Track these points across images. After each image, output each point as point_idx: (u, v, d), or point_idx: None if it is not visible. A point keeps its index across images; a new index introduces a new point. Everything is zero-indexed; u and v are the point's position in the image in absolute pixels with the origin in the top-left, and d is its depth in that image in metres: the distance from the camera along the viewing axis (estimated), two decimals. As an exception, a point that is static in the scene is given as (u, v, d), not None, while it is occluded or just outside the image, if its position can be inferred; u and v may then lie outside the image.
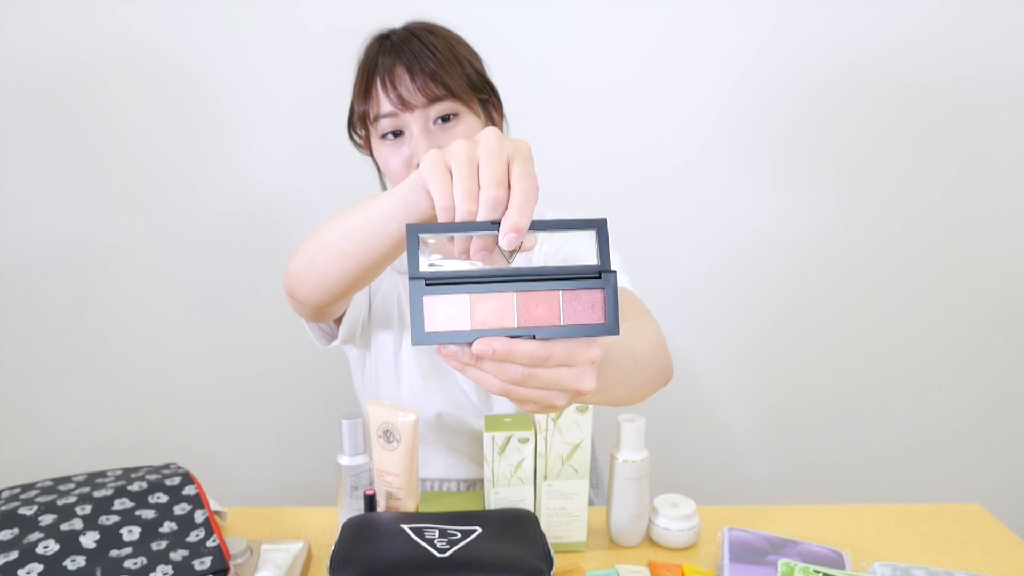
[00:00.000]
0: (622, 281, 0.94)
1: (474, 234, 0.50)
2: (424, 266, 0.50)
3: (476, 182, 0.50)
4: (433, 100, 0.89)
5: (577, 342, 0.51)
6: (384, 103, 0.89)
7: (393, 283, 1.04)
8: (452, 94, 0.89)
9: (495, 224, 0.49)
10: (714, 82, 1.49)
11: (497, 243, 0.49)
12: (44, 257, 1.52)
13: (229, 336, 1.58)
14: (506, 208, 0.50)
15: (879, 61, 1.49)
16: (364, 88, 0.91)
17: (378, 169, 1.01)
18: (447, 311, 0.49)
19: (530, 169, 0.52)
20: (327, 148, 1.50)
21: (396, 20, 0.98)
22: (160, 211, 1.51)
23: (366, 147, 0.99)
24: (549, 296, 0.51)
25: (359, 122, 0.95)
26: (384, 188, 1.01)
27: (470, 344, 0.49)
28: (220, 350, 1.59)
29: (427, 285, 0.49)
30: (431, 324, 0.49)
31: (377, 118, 0.90)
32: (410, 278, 0.49)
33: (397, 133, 0.91)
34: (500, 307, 0.50)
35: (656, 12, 1.45)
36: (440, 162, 0.52)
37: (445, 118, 0.90)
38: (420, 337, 0.49)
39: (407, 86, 0.88)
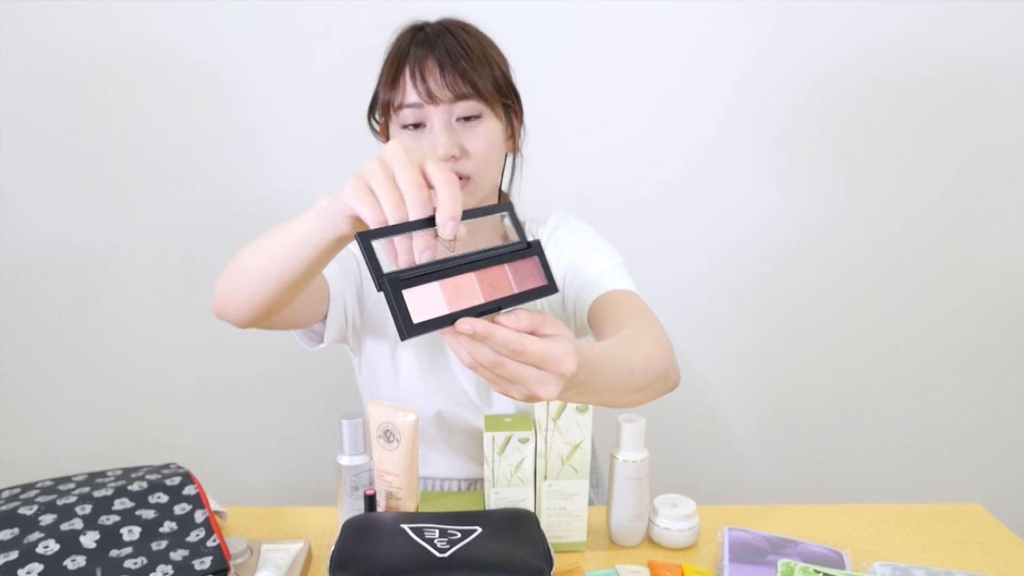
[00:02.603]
0: (625, 283, 0.94)
1: (415, 234, 0.54)
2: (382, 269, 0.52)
3: (398, 192, 0.55)
4: (460, 97, 0.88)
5: (556, 352, 0.54)
6: (411, 93, 0.88)
7: None
8: (479, 94, 0.89)
9: (432, 220, 0.54)
10: (713, 83, 1.49)
11: (437, 236, 0.54)
12: (44, 257, 1.52)
13: (229, 336, 1.57)
14: (437, 206, 0.54)
15: (879, 61, 1.49)
16: (392, 76, 0.90)
17: None
18: (425, 300, 0.53)
19: (443, 167, 0.56)
20: (329, 149, 1.50)
21: (395, 20, 0.97)
22: (160, 211, 1.51)
23: (383, 134, 0.99)
24: (499, 271, 0.57)
25: (381, 109, 0.94)
26: None
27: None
28: (220, 350, 1.59)
29: (402, 281, 0.52)
30: (417, 315, 0.52)
31: (401, 107, 0.90)
32: (383, 279, 0.51)
33: (418, 125, 0.90)
34: (465, 287, 0.55)
35: (656, 12, 1.45)
36: (361, 186, 0.56)
37: (467, 118, 0.90)
38: (411, 330, 0.51)
39: (436, 80, 0.88)
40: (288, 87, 1.46)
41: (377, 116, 0.98)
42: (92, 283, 1.54)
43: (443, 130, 0.88)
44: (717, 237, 1.58)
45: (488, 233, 1.01)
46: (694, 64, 1.48)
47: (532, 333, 0.55)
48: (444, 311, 0.53)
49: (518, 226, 0.61)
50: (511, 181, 1.03)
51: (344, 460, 0.88)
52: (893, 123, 1.52)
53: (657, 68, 1.48)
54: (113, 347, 1.57)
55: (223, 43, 1.43)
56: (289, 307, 0.82)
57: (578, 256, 1.00)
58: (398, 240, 0.54)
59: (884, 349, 1.65)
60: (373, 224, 0.54)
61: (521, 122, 1.00)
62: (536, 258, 0.60)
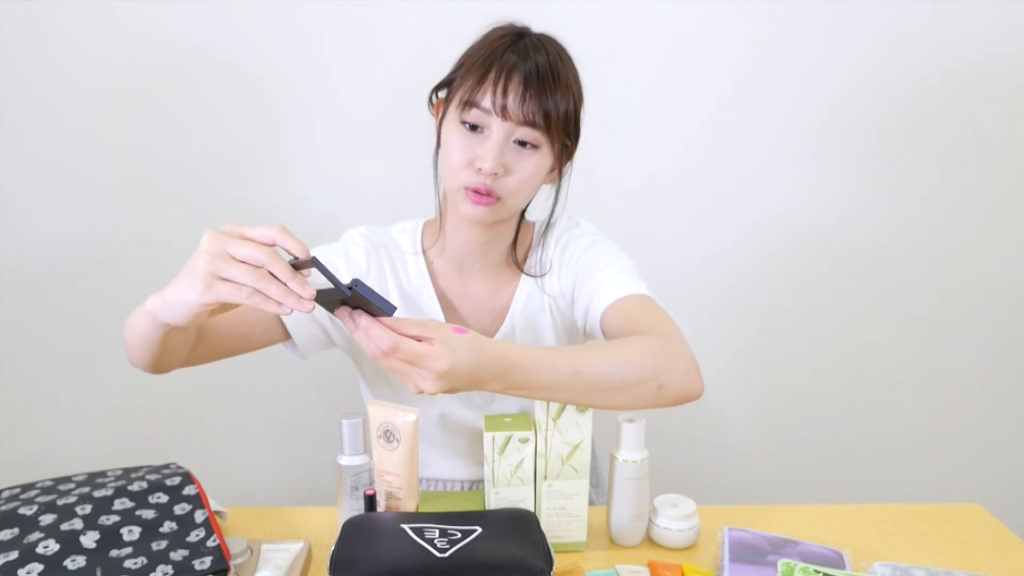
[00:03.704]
0: (637, 287, 0.94)
1: (277, 289, 0.64)
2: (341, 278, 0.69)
3: (246, 263, 0.64)
4: (528, 124, 0.87)
5: (428, 352, 0.68)
6: (487, 99, 0.87)
7: (379, 285, 1.03)
8: (547, 127, 0.88)
9: (294, 258, 0.66)
10: (714, 80, 1.49)
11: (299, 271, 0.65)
12: (45, 257, 1.52)
13: (229, 336, 1.58)
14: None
15: (885, 60, 1.49)
16: (479, 74, 0.88)
17: (437, 141, 0.97)
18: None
19: (260, 227, 0.65)
20: (345, 153, 1.50)
21: (422, 25, 0.95)
22: (159, 210, 1.51)
23: (437, 111, 0.97)
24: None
25: (452, 94, 0.92)
26: (436, 163, 0.99)
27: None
28: (220, 350, 1.59)
29: (360, 282, 0.65)
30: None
31: (470, 105, 0.88)
32: (351, 285, 0.65)
33: (475, 127, 0.89)
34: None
35: (665, 11, 1.45)
36: (210, 280, 0.64)
37: (523, 143, 0.89)
38: (393, 305, 0.67)
39: (516, 97, 0.86)
40: (326, 88, 1.46)
41: (440, 94, 0.96)
42: (92, 283, 1.54)
43: (498, 146, 0.87)
44: (718, 238, 1.58)
45: None
46: (699, 64, 1.48)
47: (416, 338, 0.69)
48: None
49: (329, 275, 0.70)
50: (551, 215, 1.02)
51: (344, 460, 0.88)
52: (894, 125, 1.53)
53: (659, 67, 1.48)
54: (113, 347, 1.57)
55: (233, 43, 1.43)
56: (203, 350, 0.91)
57: (586, 262, 0.99)
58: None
59: (885, 349, 1.65)
60: (249, 302, 0.63)
61: (570, 160, 0.98)
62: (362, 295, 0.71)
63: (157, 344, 0.80)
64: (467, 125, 0.89)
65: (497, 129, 0.88)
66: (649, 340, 0.82)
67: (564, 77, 0.90)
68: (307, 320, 0.97)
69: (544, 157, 0.91)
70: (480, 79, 0.88)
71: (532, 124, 0.87)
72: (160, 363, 0.85)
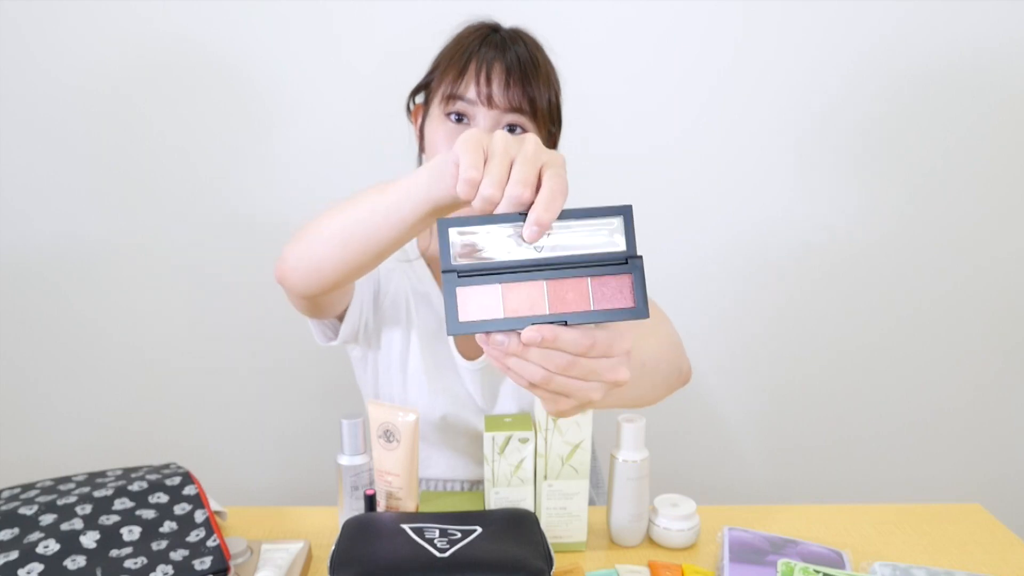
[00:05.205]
0: None
1: (501, 225, 0.51)
2: (456, 259, 0.51)
3: (507, 173, 0.51)
4: (515, 110, 0.88)
5: (612, 333, 0.52)
6: (471, 90, 0.88)
7: (402, 284, 1.04)
8: (533, 113, 0.89)
9: (523, 216, 0.50)
10: (715, 78, 1.49)
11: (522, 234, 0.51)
12: (45, 256, 1.52)
13: (229, 336, 1.58)
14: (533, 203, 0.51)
15: (887, 58, 1.49)
16: (458, 68, 0.89)
17: (420, 144, 0.99)
18: (480, 301, 0.51)
19: (562, 174, 0.52)
20: (351, 154, 1.50)
21: (425, 26, 0.97)
22: (160, 210, 1.51)
23: (416, 115, 0.98)
24: (578, 283, 0.52)
25: (432, 94, 0.93)
26: (421, 163, 1.00)
27: (515, 332, 0.51)
28: (220, 349, 1.59)
29: (459, 277, 0.51)
30: (465, 314, 0.50)
31: (454, 98, 0.89)
32: (443, 271, 0.51)
33: (461, 119, 0.90)
34: (531, 295, 0.51)
35: (661, 8, 1.45)
36: (478, 143, 0.53)
37: (512, 128, 0.90)
38: (455, 327, 0.50)
39: (500, 85, 0.87)
40: (312, 89, 1.46)
41: (417, 98, 0.97)
42: (93, 283, 1.54)
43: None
44: (720, 238, 1.57)
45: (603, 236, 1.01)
46: (697, 63, 1.48)
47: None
48: (497, 315, 0.51)
49: (629, 235, 0.54)
50: None
51: (344, 460, 0.88)
52: (890, 122, 1.52)
53: (658, 66, 1.48)
54: (113, 347, 1.57)
55: (242, 41, 1.43)
56: (342, 288, 0.81)
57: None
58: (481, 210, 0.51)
59: (884, 348, 1.65)
60: (464, 176, 0.51)
61: (555, 149, 1.00)
62: (631, 276, 0.53)
63: (396, 229, 0.65)
64: (453, 117, 0.90)
65: (483, 118, 0.88)
66: (662, 327, 0.83)
67: (544, 67, 0.92)
68: (356, 312, 0.97)
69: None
70: (461, 72, 0.89)
71: (519, 110, 0.89)
72: (347, 270, 0.74)
